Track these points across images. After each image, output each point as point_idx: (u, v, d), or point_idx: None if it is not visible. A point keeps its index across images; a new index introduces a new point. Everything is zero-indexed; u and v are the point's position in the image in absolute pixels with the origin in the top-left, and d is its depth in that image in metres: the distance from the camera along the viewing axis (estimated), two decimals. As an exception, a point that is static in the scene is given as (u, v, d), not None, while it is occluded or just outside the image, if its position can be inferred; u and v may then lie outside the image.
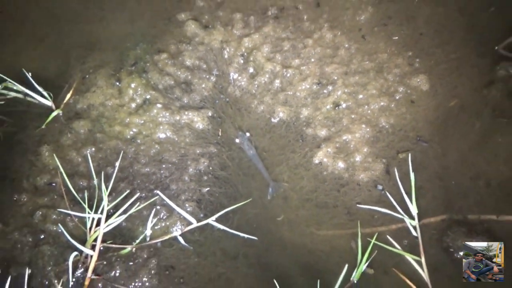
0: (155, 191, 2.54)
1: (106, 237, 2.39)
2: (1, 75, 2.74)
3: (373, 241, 2.29)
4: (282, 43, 2.93)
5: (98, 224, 2.35)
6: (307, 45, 2.93)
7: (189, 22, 2.97)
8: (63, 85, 2.84)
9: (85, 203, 2.37)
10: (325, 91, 2.83)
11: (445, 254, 2.45)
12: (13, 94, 2.77)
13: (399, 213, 2.32)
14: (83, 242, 2.35)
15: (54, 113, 2.73)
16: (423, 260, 2.28)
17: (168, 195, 2.51)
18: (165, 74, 2.85)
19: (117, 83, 2.82)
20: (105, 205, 2.35)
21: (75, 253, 2.33)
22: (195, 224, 2.41)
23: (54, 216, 2.49)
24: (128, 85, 2.80)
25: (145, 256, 2.43)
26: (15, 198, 2.56)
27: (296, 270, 2.46)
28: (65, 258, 2.37)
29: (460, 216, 2.53)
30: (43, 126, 2.72)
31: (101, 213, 2.34)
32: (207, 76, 2.88)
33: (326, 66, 2.87)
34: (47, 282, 2.36)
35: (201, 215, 2.51)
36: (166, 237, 2.45)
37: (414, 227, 2.32)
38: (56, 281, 2.35)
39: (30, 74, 2.72)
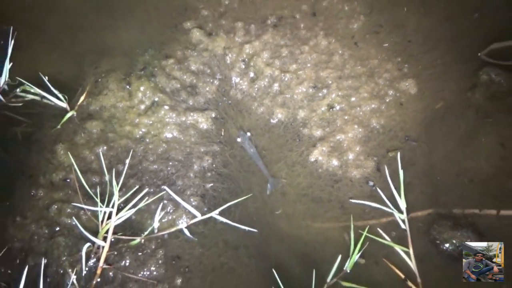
0: (162, 187, 2.53)
1: (117, 229, 2.39)
2: (20, 79, 2.74)
3: (364, 233, 2.29)
4: (281, 50, 2.92)
5: (109, 217, 2.35)
6: (303, 51, 2.92)
7: (194, 30, 2.97)
8: (77, 88, 2.84)
9: (97, 197, 2.37)
10: (320, 94, 2.82)
11: (431, 245, 2.45)
12: (30, 96, 2.77)
13: (389, 207, 2.32)
14: (95, 234, 2.35)
15: (69, 114, 2.72)
16: (411, 251, 2.27)
17: (175, 190, 2.50)
18: (172, 78, 2.85)
19: (127, 87, 2.81)
20: (116, 199, 2.34)
21: (88, 244, 2.33)
22: (199, 217, 2.41)
23: (69, 210, 2.49)
24: (137, 88, 2.80)
25: (153, 247, 2.43)
26: (32, 193, 2.56)
27: (293, 260, 2.46)
28: (79, 248, 2.37)
29: (445, 210, 2.53)
30: (59, 126, 2.72)
31: (112, 207, 2.34)
32: (211, 80, 2.87)
33: (321, 71, 2.87)
34: (61, 271, 2.36)
35: (205, 209, 2.51)
36: (173, 229, 2.44)
37: (403, 221, 2.32)
38: (70, 270, 2.35)
39: (46, 78, 2.71)
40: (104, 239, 2.34)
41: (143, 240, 2.42)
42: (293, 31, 2.99)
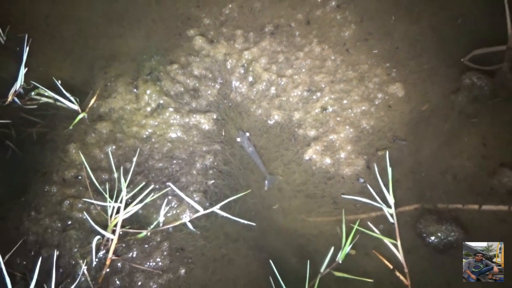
0: (167, 183, 2.53)
1: (125, 223, 2.38)
2: (34, 83, 2.73)
3: (355, 226, 2.28)
4: (277, 56, 2.92)
5: (117, 212, 2.34)
6: (298, 57, 2.91)
7: (197, 37, 2.96)
8: (88, 91, 2.83)
9: (106, 193, 2.36)
10: (314, 97, 2.82)
11: (418, 238, 2.45)
12: (44, 99, 2.76)
13: (378, 202, 2.31)
14: (105, 227, 2.35)
15: (80, 116, 2.72)
16: (399, 243, 2.26)
17: (179, 187, 2.49)
18: (176, 82, 2.84)
19: (135, 90, 2.81)
20: (124, 195, 2.33)
21: (98, 237, 2.32)
22: (201, 211, 2.40)
23: (80, 205, 2.48)
24: (144, 92, 2.79)
25: (159, 239, 2.43)
26: (46, 189, 2.55)
27: (289, 252, 2.46)
28: (89, 241, 2.36)
29: (431, 205, 2.52)
30: (71, 127, 2.71)
31: (121, 202, 2.33)
32: (212, 84, 2.86)
33: (315, 75, 2.86)
34: (73, 262, 2.36)
35: (207, 204, 2.50)
36: (177, 223, 2.44)
37: (391, 215, 2.30)
38: (81, 261, 2.35)
39: (59, 82, 2.70)
40: (113, 232, 2.33)
41: (149, 233, 2.42)
42: (289, 39, 2.98)
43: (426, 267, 2.39)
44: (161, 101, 2.78)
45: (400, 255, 2.28)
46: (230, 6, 3.07)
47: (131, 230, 2.41)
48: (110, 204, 2.35)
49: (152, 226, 2.41)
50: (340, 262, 2.33)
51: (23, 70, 2.72)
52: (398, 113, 2.78)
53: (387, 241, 2.28)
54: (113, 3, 3.13)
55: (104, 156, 2.62)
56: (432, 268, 2.39)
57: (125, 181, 2.35)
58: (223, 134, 2.75)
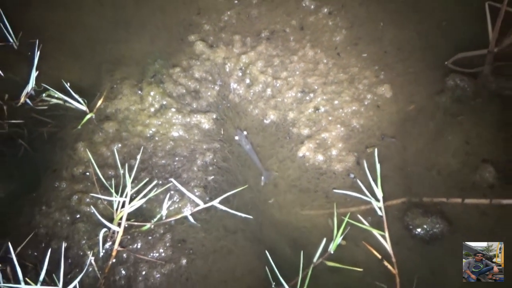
0: (169, 179, 2.51)
1: (130, 216, 2.37)
2: (45, 85, 2.72)
3: (346, 219, 2.27)
4: (273, 59, 2.90)
5: (123, 206, 2.33)
6: (293, 60, 2.90)
7: (197, 42, 2.95)
8: (95, 93, 2.81)
9: (112, 189, 2.35)
10: (307, 98, 2.80)
11: (405, 230, 2.45)
12: (54, 100, 2.75)
13: (367, 196, 2.30)
14: (111, 220, 2.34)
15: (88, 116, 2.70)
16: (387, 235, 2.25)
17: (180, 182, 2.48)
18: (178, 84, 2.82)
19: (139, 92, 2.79)
20: (129, 190, 2.32)
21: (105, 229, 2.31)
22: (202, 205, 2.38)
23: (88, 200, 2.47)
24: (148, 93, 2.78)
25: (162, 231, 2.41)
26: (56, 185, 2.54)
27: (284, 243, 2.45)
28: (96, 233, 2.35)
29: (417, 199, 2.52)
30: (79, 127, 2.69)
31: (126, 197, 2.32)
32: (212, 86, 2.85)
33: (308, 78, 2.85)
34: (81, 253, 2.35)
35: (207, 198, 2.48)
36: (179, 216, 2.43)
37: (380, 208, 2.29)
38: (89, 252, 2.34)
39: (68, 84, 2.69)
40: (119, 225, 2.32)
41: (152, 226, 2.41)
42: (284, 43, 2.97)
43: (413, 257, 2.38)
44: (164, 102, 2.76)
45: (388, 246, 2.26)
46: (228, 13, 3.05)
47: (135, 223, 2.40)
48: (116, 199, 2.34)
49: (155, 219, 2.40)
50: (332, 252, 2.33)
51: (34, 73, 2.71)
52: (386, 113, 2.77)
53: (376, 232, 2.27)
54: (119, 10, 3.11)
55: (111, 154, 2.60)
56: (418, 258, 2.38)
57: (130, 177, 2.33)
58: (222, 133, 2.73)
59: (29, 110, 2.76)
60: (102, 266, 2.32)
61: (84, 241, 2.38)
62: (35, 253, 2.36)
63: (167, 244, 2.38)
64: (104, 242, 2.35)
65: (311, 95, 2.80)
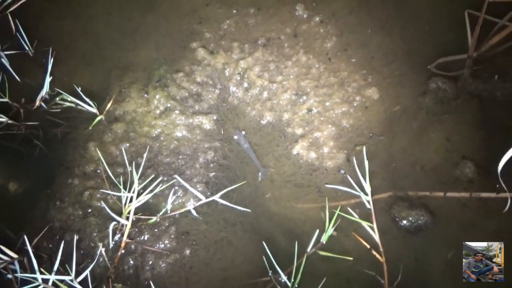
0: (174, 176, 2.50)
1: (137, 210, 2.37)
2: (58, 90, 2.71)
3: (337, 212, 2.27)
4: (269, 64, 2.89)
5: (131, 201, 2.33)
6: (287, 65, 2.89)
7: (199, 49, 2.93)
8: (105, 96, 2.80)
9: (121, 185, 2.35)
10: (301, 100, 2.79)
11: (391, 222, 2.44)
12: (67, 104, 2.74)
13: (356, 190, 2.30)
14: (120, 214, 2.33)
15: (98, 118, 2.69)
16: (375, 226, 2.25)
17: (184, 179, 2.47)
18: (182, 88, 2.81)
19: (146, 95, 2.78)
20: (136, 186, 2.32)
21: (114, 222, 2.31)
22: (204, 200, 2.38)
23: (98, 195, 2.47)
24: (153, 97, 2.77)
25: (167, 224, 2.42)
26: (69, 182, 2.54)
27: (279, 234, 2.45)
28: (107, 226, 2.36)
29: (402, 193, 2.51)
30: (90, 128, 2.68)
31: (133, 192, 2.32)
32: (213, 89, 2.83)
33: (301, 81, 2.83)
34: (93, 245, 2.36)
35: (209, 193, 2.48)
36: (182, 210, 2.42)
37: (368, 201, 2.29)
38: (99, 244, 2.34)
39: (80, 88, 2.69)
40: (127, 218, 2.32)
41: (158, 219, 2.41)
42: (279, 49, 2.95)
43: (399, 246, 2.38)
44: (169, 105, 2.75)
45: (376, 237, 2.26)
46: (228, 22, 3.04)
47: (142, 217, 2.39)
48: (124, 194, 2.34)
49: (161, 213, 2.39)
50: (324, 242, 2.32)
51: (48, 79, 2.70)
52: (374, 113, 2.76)
53: (364, 224, 2.26)
54: (126, 20, 3.10)
55: (119, 153, 2.59)
56: (404, 248, 2.38)
57: (137, 174, 2.34)
58: (222, 132, 2.72)
59: (44, 112, 2.75)
60: (112, 257, 2.33)
61: (95, 234, 2.38)
62: (50, 245, 2.37)
63: (172, 236, 2.38)
64: (114, 234, 2.35)
65: (304, 97, 2.79)
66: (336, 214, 2.27)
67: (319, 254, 2.30)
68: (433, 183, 2.53)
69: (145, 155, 2.53)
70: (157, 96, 2.76)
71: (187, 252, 2.36)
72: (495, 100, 2.75)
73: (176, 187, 2.48)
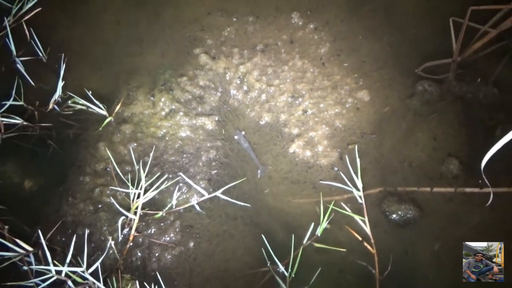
0: (178, 173, 2.49)
1: (144, 206, 2.36)
2: (70, 93, 2.69)
3: (331, 206, 2.27)
4: (267, 69, 2.87)
5: (138, 197, 2.32)
6: (284, 70, 2.87)
7: (201, 55, 2.92)
8: (114, 99, 2.79)
9: (129, 182, 2.35)
10: (297, 102, 2.78)
11: (382, 215, 2.44)
12: (78, 106, 2.72)
13: (349, 186, 2.30)
14: (128, 209, 2.32)
15: (108, 120, 2.68)
16: (366, 219, 2.25)
17: (188, 176, 2.47)
18: (185, 91, 2.79)
19: (152, 98, 2.76)
20: (143, 183, 2.31)
21: (123, 217, 2.30)
22: (206, 196, 2.38)
23: (108, 192, 2.46)
24: (159, 99, 2.75)
25: (172, 219, 2.41)
26: (81, 179, 2.52)
27: (277, 227, 2.44)
28: (116, 221, 2.35)
29: (392, 188, 2.51)
30: (100, 129, 2.67)
31: (141, 189, 2.31)
32: (215, 92, 2.82)
33: (297, 85, 2.82)
34: (103, 238, 2.35)
35: (211, 190, 2.46)
36: (186, 205, 2.42)
37: (360, 196, 2.29)
38: (109, 237, 2.34)
39: (90, 92, 2.67)
40: (135, 213, 2.31)
41: (164, 214, 2.40)
42: (276, 55, 2.94)
43: (389, 238, 2.38)
44: (173, 107, 2.73)
45: (367, 229, 2.26)
46: (228, 29, 3.02)
47: (149, 212, 2.38)
48: (132, 191, 2.32)
49: (166, 208, 2.39)
50: (319, 235, 2.32)
51: (60, 83, 2.69)
52: (365, 114, 2.75)
53: (357, 218, 2.27)
54: (134, 28, 3.08)
55: (127, 152, 2.58)
56: (394, 240, 2.38)
57: (144, 172, 2.33)
58: (223, 133, 2.71)
59: (57, 115, 2.73)
60: (121, 249, 2.32)
61: (105, 228, 2.37)
62: (63, 239, 2.36)
63: (177, 230, 2.37)
64: (123, 228, 2.34)
65: (300, 99, 2.77)
66: (330, 209, 2.27)
67: (314, 246, 2.30)
68: (420, 179, 2.52)
69: (151, 154, 2.51)
70: (163, 99, 2.75)
71: (191, 244, 2.34)
72: (478, 101, 2.75)
73: (181, 184, 2.47)
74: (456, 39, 2.79)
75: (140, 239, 2.34)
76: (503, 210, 2.38)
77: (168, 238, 2.35)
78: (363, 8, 3.12)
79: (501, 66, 2.86)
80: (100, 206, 2.44)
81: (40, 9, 2.91)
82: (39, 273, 2.11)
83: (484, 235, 2.30)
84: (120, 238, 2.34)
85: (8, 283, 2.10)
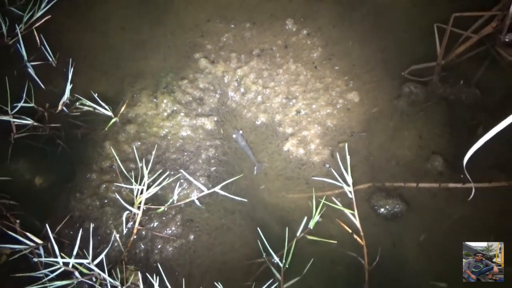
0: (179, 170, 2.48)
1: (147, 201, 2.34)
2: (78, 96, 2.69)
3: (322, 201, 2.27)
4: (262, 72, 2.86)
5: (141, 193, 2.30)
6: (278, 73, 2.86)
7: (201, 59, 2.90)
8: (119, 101, 2.77)
9: (133, 179, 2.34)
10: (290, 103, 2.76)
11: (371, 209, 2.42)
12: (86, 108, 2.71)
13: (340, 182, 2.30)
14: (132, 204, 2.31)
15: (113, 120, 2.66)
16: (356, 213, 2.25)
17: (188, 173, 2.45)
18: (186, 93, 2.78)
19: (155, 100, 2.75)
20: (146, 180, 2.30)
21: (127, 212, 2.29)
22: (206, 191, 2.37)
23: (113, 188, 2.45)
24: (162, 101, 2.74)
25: (173, 213, 2.39)
26: (88, 176, 2.51)
27: (272, 221, 2.43)
28: (120, 215, 2.33)
29: (380, 184, 2.49)
30: (106, 129, 2.65)
31: (144, 185, 2.30)
32: (214, 94, 2.80)
33: (291, 87, 2.81)
34: (108, 231, 2.34)
35: (210, 185, 2.45)
36: (187, 200, 2.41)
37: (350, 192, 2.30)
38: (114, 230, 2.32)
39: (96, 94, 2.66)
40: (138, 208, 2.30)
41: (166, 208, 2.38)
42: (271, 59, 2.92)
43: (377, 231, 2.37)
44: (175, 108, 2.72)
45: (357, 222, 2.26)
46: (226, 35, 3.00)
47: (152, 206, 2.37)
48: (136, 187, 2.31)
49: (168, 203, 2.37)
50: (312, 228, 2.31)
51: (69, 86, 2.67)
52: (355, 114, 2.73)
53: (347, 211, 2.27)
54: (138, 34, 3.06)
55: (131, 151, 2.56)
56: (382, 232, 2.37)
57: (147, 169, 2.32)
58: (222, 132, 2.69)
59: (65, 116, 2.71)
60: (125, 242, 2.31)
61: (110, 222, 2.36)
62: (71, 232, 2.34)
63: (178, 223, 2.36)
64: (127, 222, 2.33)
65: (294, 101, 2.76)
66: (322, 203, 2.27)
67: (307, 238, 2.29)
68: (407, 176, 2.51)
69: (154, 152, 2.49)
70: (165, 101, 2.73)
71: (191, 237, 2.33)
72: (461, 102, 2.74)
73: (182, 180, 2.46)
74: (440, 43, 2.79)
75: (143, 232, 2.33)
76: (484, 204, 2.36)
77: (169, 231, 2.34)
78: (354, 14, 3.10)
79: (483, 69, 2.85)
80: (105, 201, 2.43)
81: (49, 16, 2.90)
82: (48, 265, 2.10)
83: (467, 228, 2.30)
84: (124, 232, 2.32)
85: (19, 274, 2.09)
